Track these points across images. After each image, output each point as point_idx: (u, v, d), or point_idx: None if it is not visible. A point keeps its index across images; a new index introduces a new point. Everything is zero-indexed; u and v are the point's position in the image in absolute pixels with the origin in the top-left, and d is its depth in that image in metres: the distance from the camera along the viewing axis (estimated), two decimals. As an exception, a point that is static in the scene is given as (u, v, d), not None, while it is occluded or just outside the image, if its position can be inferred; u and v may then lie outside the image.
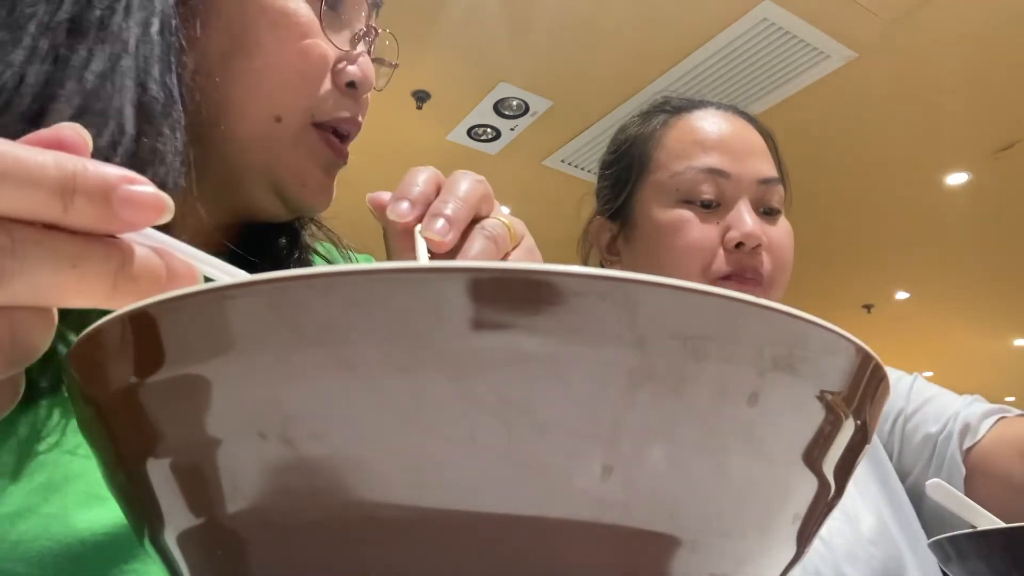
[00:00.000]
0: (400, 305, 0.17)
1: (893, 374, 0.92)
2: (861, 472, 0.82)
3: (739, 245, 0.79)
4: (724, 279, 0.80)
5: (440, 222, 0.36)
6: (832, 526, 0.75)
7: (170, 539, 0.20)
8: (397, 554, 0.18)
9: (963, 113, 3.16)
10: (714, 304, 0.17)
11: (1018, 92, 3.00)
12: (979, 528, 0.54)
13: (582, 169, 3.66)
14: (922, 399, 0.87)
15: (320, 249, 0.63)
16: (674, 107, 0.90)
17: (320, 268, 0.17)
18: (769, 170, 0.84)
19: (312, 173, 0.52)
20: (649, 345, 0.17)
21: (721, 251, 0.80)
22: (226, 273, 0.25)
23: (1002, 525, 0.54)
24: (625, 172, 0.89)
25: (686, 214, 0.82)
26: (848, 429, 0.21)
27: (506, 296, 0.17)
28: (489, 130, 3.41)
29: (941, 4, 2.56)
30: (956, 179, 3.71)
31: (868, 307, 5.44)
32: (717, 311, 0.17)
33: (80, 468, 0.39)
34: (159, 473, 0.20)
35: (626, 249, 0.89)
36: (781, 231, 0.84)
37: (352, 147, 0.55)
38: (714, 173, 0.82)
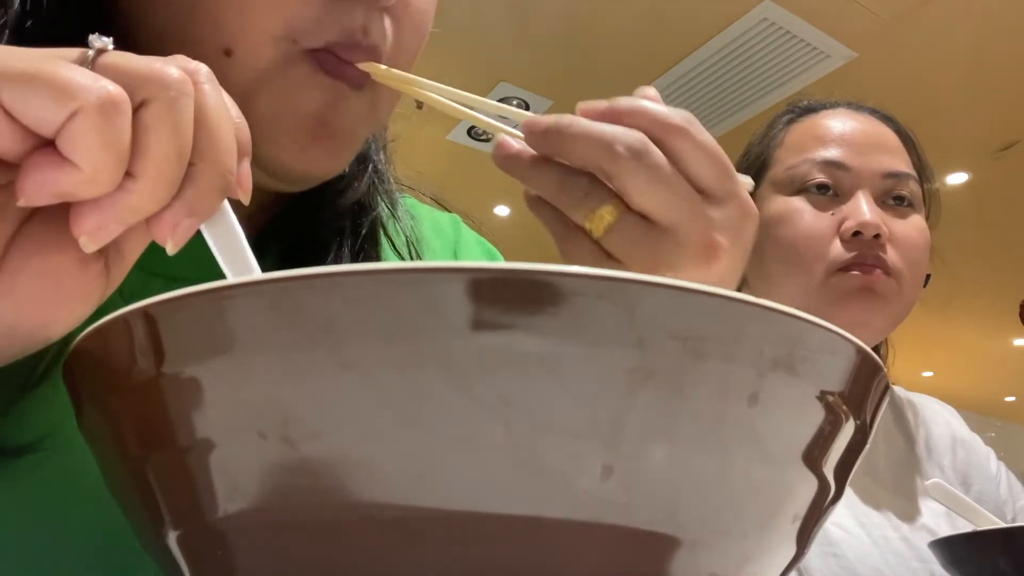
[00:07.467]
0: (400, 305, 0.17)
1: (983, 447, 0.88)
2: None
3: (856, 234, 0.76)
4: (844, 269, 0.76)
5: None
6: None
7: (170, 539, 0.20)
8: (397, 554, 0.18)
9: (963, 113, 3.15)
10: (714, 304, 0.17)
11: (1018, 92, 2.99)
12: (979, 528, 0.54)
13: (582, 169, 3.65)
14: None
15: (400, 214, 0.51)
16: (801, 109, 0.88)
17: (320, 268, 0.17)
18: (897, 165, 0.81)
19: (290, 123, 0.37)
20: (649, 345, 0.17)
21: (838, 241, 0.77)
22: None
23: (1002, 525, 0.54)
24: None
25: (797, 203, 0.79)
26: (848, 429, 0.21)
27: (506, 296, 0.17)
28: (489, 130, 3.41)
29: (941, 4, 2.56)
30: (956, 179, 3.71)
31: (868, 307, 5.43)
32: (717, 311, 0.17)
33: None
34: (160, 473, 0.20)
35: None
36: (909, 226, 0.80)
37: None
38: (831, 165, 0.79)
